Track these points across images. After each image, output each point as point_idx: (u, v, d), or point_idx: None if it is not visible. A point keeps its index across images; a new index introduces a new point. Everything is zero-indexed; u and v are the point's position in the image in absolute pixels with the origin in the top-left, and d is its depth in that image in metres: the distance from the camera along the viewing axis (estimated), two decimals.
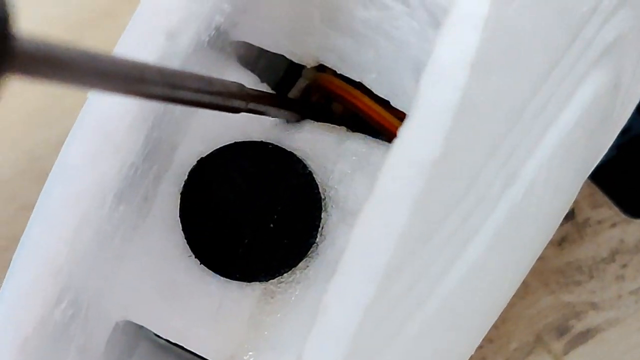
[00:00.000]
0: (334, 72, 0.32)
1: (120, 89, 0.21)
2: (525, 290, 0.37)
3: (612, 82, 0.30)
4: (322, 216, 0.31)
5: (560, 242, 0.39)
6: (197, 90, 0.24)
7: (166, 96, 0.23)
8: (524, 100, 0.27)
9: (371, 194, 0.25)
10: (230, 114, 0.27)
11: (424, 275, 0.26)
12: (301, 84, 0.34)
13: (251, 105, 0.28)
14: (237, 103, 0.27)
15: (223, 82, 0.26)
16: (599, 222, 0.39)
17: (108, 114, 0.26)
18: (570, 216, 0.39)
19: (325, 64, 0.31)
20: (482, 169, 0.27)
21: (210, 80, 0.26)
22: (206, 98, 0.25)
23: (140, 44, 0.26)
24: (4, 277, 0.41)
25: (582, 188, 0.33)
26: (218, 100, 0.26)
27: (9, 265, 0.42)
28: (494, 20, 0.25)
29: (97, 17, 0.47)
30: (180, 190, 0.31)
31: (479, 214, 0.27)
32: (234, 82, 0.27)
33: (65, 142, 0.28)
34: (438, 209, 0.26)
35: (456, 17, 0.25)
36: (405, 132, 0.25)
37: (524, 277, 0.32)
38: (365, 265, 0.25)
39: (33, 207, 0.44)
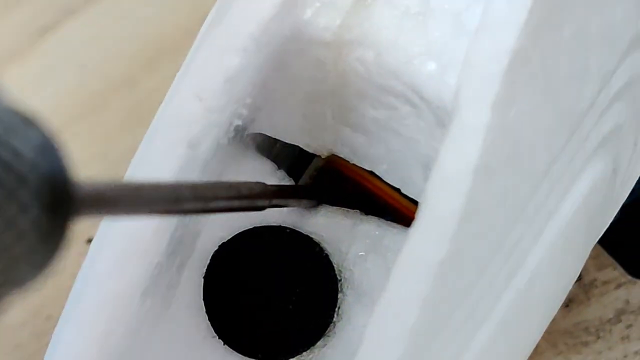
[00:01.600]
0: None
1: (162, 212, 0.23)
2: (534, 351, 0.38)
3: (609, 168, 0.31)
4: (338, 297, 0.33)
5: (567, 303, 0.40)
6: (227, 198, 0.26)
7: (200, 210, 0.25)
8: (525, 197, 0.28)
9: (384, 291, 0.27)
10: None
11: None
12: (316, 164, 0.36)
13: (274, 202, 0.30)
14: (261, 202, 0.29)
15: (248, 185, 0.28)
16: (605, 283, 0.41)
17: (132, 223, 0.28)
18: (577, 278, 0.40)
19: (338, 155, 0.33)
20: (488, 264, 0.28)
21: (237, 187, 0.27)
22: (235, 204, 0.27)
23: (162, 154, 0.28)
24: (34, 346, 0.43)
25: None
26: (245, 203, 0.28)
27: (36, 331, 0.44)
28: (494, 127, 0.26)
29: (117, 85, 0.48)
30: (203, 275, 0.33)
31: (485, 305, 0.29)
32: (258, 183, 0.29)
33: (92, 246, 0.30)
34: (446, 305, 0.27)
35: (458, 126, 0.26)
36: (413, 235, 0.26)
37: (532, 349, 0.34)
38: None
39: (60, 273, 0.46)
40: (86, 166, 0.47)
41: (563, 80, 0.28)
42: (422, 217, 0.26)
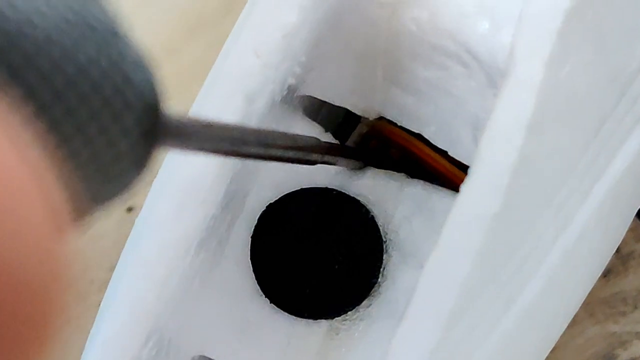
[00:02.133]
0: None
1: (227, 152, 0.24)
2: (572, 320, 0.39)
3: None
4: (383, 258, 0.33)
5: (605, 274, 0.40)
6: (285, 148, 0.27)
7: (260, 155, 0.26)
8: (575, 155, 0.29)
9: (437, 245, 0.27)
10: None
11: (484, 319, 0.29)
12: (361, 130, 0.37)
13: (325, 158, 0.30)
14: (314, 156, 0.29)
15: (304, 138, 0.29)
16: None
17: (192, 172, 0.28)
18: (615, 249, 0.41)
19: (386, 117, 0.34)
20: (538, 219, 0.29)
21: (294, 138, 0.28)
22: (291, 154, 0.28)
23: (221, 106, 0.28)
24: (78, 309, 0.44)
25: None
26: (300, 155, 0.28)
27: (80, 294, 0.45)
28: (548, 84, 0.27)
29: (158, 54, 0.49)
30: (251, 234, 0.33)
31: (533, 260, 0.29)
32: (312, 137, 0.29)
33: (149, 196, 0.30)
34: (497, 258, 0.28)
35: (513, 81, 0.27)
36: (467, 189, 0.27)
37: (575, 312, 0.34)
38: (431, 312, 0.27)
39: (102, 238, 0.46)
40: None
41: (615, 38, 0.29)
42: (476, 171, 0.27)
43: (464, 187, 0.27)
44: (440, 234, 0.27)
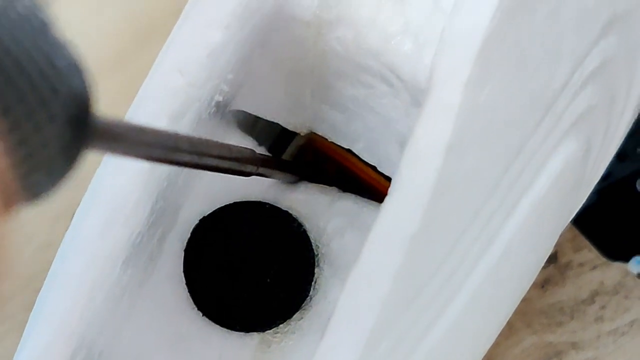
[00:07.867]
0: None
1: (160, 158, 0.24)
2: (509, 330, 0.39)
3: (582, 148, 0.32)
4: (315, 271, 0.34)
5: (543, 284, 0.41)
6: (219, 157, 0.27)
7: (193, 163, 0.26)
8: (498, 174, 0.29)
9: (355, 265, 0.27)
10: (233, 177, 0.30)
11: (408, 335, 0.29)
12: (296, 143, 0.37)
13: (260, 170, 0.30)
14: (249, 168, 0.30)
15: (239, 149, 0.29)
16: (580, 264, 0.41)
17: (117, 190, 0.29)
18: (553, 259, 0.41)
19: (317, 133, 0.34)
20: (461, 237, 0.29)
21: (229, 147, 0.28)
22: (225, 164, 0.28)
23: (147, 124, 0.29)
24: (23, 318, 0.44)
25: (564, 232, 0.36)
26: (234, 165, 0.29)
27: (26, 303, 0.45)
28: (467, 105, 0.27)
29: (108, 64, 0.49)
30: (184, 248, 0.34)
31: (458, 277, 0.30)
32: (248, 149, 0.30)
33: (76, 214, 0.30)
34: (419, 276, 0.28)
35: (432, 104, 0.27)
36: (387, 208, 0.27)
37: (504, 324, 0.34)
38: (350, 331, 0.27)
39: (49, 247, 0.46)
40: None
41: (536, 60, 0.29)
42: (395, 192, 0.27)
43: (383, 207, 0.27)
44: (360, 253, 0.27)
